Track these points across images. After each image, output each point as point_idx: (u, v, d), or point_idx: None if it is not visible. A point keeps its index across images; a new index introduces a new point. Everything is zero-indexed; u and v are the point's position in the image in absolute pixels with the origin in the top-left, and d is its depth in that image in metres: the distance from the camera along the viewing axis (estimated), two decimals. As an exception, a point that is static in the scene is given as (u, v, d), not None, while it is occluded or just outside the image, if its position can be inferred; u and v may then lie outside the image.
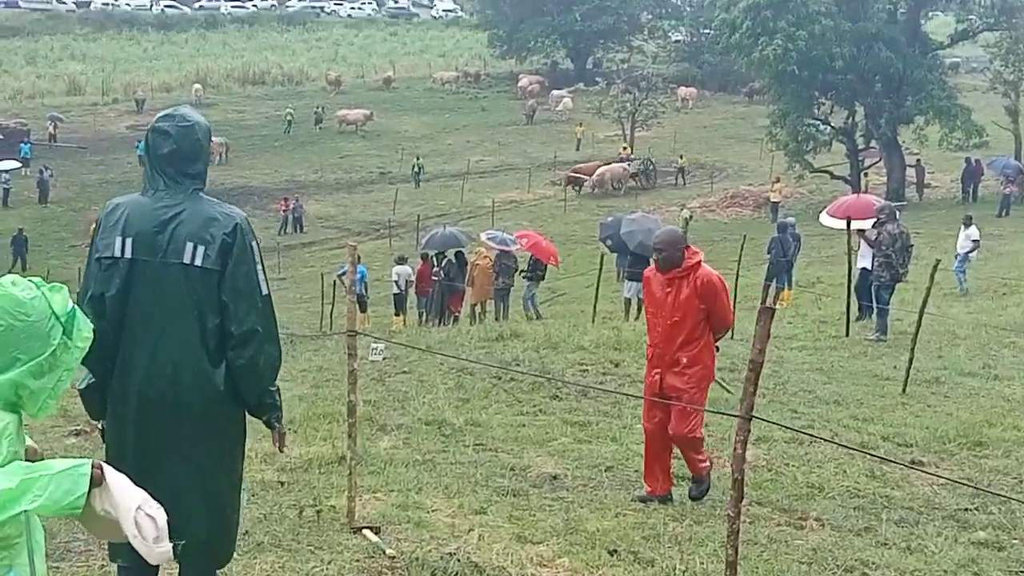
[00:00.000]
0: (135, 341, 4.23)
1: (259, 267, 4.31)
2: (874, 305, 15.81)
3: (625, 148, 55.02)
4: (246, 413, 4.46)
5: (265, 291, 4.32)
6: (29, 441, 3.24)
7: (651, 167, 52.09)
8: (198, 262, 4.19)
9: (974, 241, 22.28)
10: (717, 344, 7.48)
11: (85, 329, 3.10)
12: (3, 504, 2.68)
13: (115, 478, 2.85)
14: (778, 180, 43.18)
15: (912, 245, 16.38)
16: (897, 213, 16.74)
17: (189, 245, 4.19)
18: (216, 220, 4.24)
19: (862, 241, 17.00)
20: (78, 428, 8.76)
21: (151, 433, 4.22)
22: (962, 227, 22.56)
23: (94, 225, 4.40)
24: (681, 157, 52.94)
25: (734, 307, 15.72)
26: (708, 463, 7.49)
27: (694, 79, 76.16)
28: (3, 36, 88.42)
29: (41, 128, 58.90)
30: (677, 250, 7.24)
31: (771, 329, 4.45)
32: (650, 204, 45.58)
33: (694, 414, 7.18)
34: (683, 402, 7.16)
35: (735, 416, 4.44)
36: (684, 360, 7.19)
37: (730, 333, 14.89)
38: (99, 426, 4.49)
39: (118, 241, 4.23)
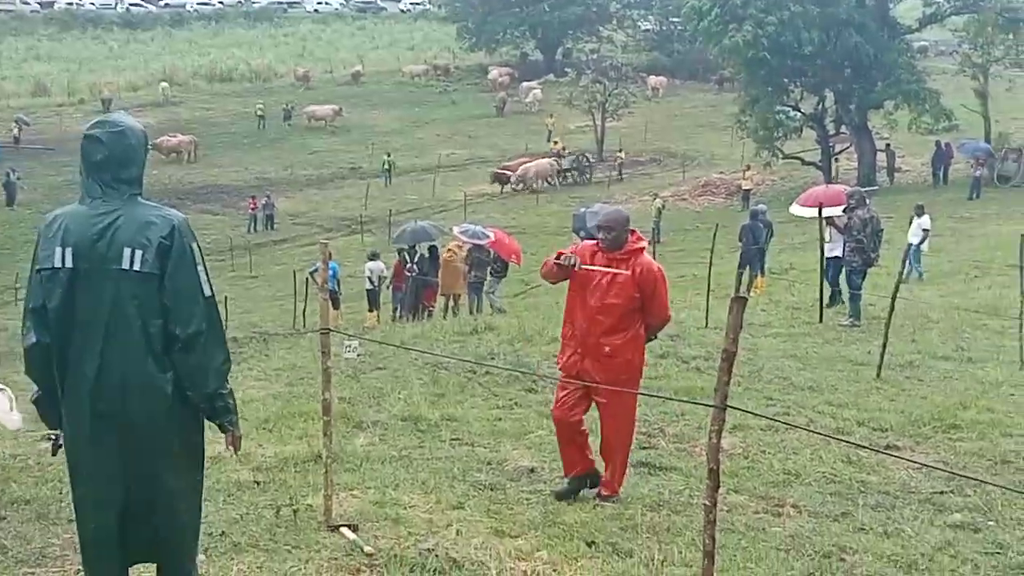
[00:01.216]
0: (82, 352, 4.20)
1: (200, 268, 4.25)
2: (847, 290, 15.86)
3: (557, 143, 54.86)
4: (201, 416, 4.41)
5: (208, 293, 4.27)
6: None
7: (585, 162, 52.16)
8: (136, 267, 4.15)
9: (924, 230, 22.17)
10: (648, 339, 7.16)
11: None
12: None
13: None
14: (749, 168, 43.44)
15: (883, 230, 16.46)
16: (867, 198, 16.80)
17: (127, 250, 4.15)
18: (153, 223, 4.20)
19: (831, 230, 17.07)
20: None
21: (107, 446, 4.20)
22: (914, 216, 22.28)
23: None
24: (620, 151, 52.98)
25: (708, 295, 15.94)
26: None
27: (664, 68, 76.41)
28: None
29: (7, 131, 58.38)
30: (625, 231, 6.97)
31: (744, 317, 4.44)
32: (623, 193, 45.71)
33: (623, 415, 7.03)
34: (605, 400, 6.90)
35: (709, 405, 4.43)
36: (606, 349, 6.89)
37: (704, 321, 15.01)
38: (55, 436, 4.46)
39: (58, 252, 4.19)
